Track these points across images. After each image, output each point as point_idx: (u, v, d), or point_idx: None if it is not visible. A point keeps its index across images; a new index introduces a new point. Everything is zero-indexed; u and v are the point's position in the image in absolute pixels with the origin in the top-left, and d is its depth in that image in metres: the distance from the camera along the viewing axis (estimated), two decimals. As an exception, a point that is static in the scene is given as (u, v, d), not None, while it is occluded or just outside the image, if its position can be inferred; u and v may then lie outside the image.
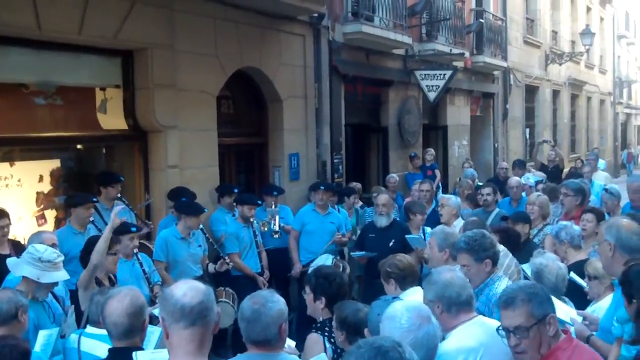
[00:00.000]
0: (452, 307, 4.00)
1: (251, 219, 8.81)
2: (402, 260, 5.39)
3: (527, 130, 23.68)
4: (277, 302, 3.65)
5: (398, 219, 9.64)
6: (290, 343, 4.64)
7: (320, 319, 4.84)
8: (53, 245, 5.98)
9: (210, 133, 9.63)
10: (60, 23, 7.47)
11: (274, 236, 9.36)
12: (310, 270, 5.72)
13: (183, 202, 8.26)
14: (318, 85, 11.89)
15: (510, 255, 6.16)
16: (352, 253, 9.23)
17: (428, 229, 8.99)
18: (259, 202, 9.07)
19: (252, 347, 3.59)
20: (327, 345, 4.63)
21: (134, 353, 3.55)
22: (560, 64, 26.14)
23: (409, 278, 5.26)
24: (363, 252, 8.73)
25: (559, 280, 5.41)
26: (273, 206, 9.58)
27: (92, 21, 7.73)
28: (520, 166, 14.25)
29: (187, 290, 3.02)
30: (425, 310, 3.42)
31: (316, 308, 4.86)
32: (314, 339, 4.69)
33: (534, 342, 3.56)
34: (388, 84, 14.65)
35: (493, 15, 19.67)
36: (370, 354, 2.58)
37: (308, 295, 4.93)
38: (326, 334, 4.69)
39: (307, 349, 4.64)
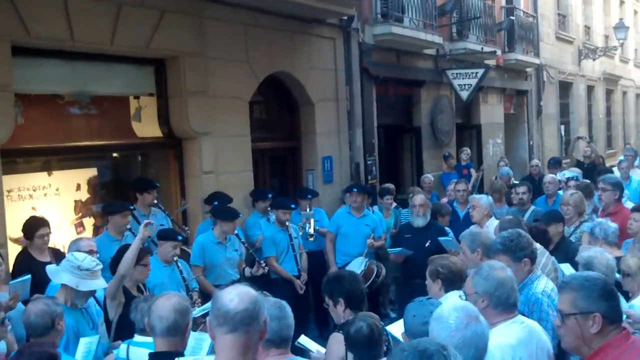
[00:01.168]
0: (499, 306, 4.00)
1: (287, 223, 8.83)
2: (455, 263, 5.35)
3: (562, 127, 23.41)
4: None
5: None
6: (320, 349, 4.64)
7: (343, 321, 4.82)
8: (91, 252, 6.06)
9: (243, 138, 9.70)
10: (93, 34, 7.58)
11: (309, 239, 9.37)
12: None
13: (218, 207, 8.31)
14: (349, 88, 11.90)
15: (547, 253, 6.11)
16: (388, 249, 9.20)
17: (449, 231, 8.99)
18: (292, 205, 9.08)
19: (272, 349, 3.55)
20: None
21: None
22: (594, 59, 25.79)
23: (456, 283, 5.22)
24: (400, 249, 8.69)
25: (609, 271, 5.38)
26: (308, 209, 9.59)
27: (124, 31, 7.84)
28: (554, 165, 14.06)
29: (235, 295, 2.98)
30: (472, 309, 3.38)
31: (338, 313, 4.84)
32: (336, 338, 4.68)
33: (571, 331, 3.48)
34: (420, 84, 14.61)
35: (524, 12, 19.51)
36: (414, 357, 2.55)
37: (330, 305, 4.92)
38: None
39: (329, 349, 4.64)
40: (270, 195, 9.42)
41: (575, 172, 12.75)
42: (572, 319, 3.47)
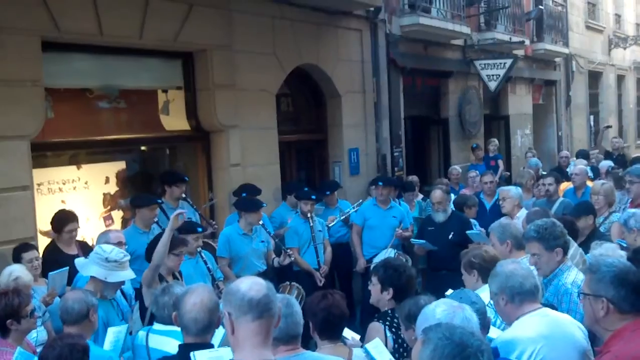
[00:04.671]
0: (516, 297, 3.99)
1: (309, 214, 8.83)
2: (488, 252, 5.34)
3: (592, 117, 23.17)
4: None
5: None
6: (354, 336, 4.68)
7: (385, 309, 4.85)
8: (119, 244, 6.13)
9: (270, 131, 9.73)
10: (121, 28, 7.65)
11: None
12: (372, 265, 5.71)
13: (241, 198, 8.34)
14: (376, 80, 11.87)
15: (576, 245, 6.07)
16: (412, 240, 9.18)
17: (475, 222, 8.98)
18: (314, 197, 9.04)
19: (280, 346, 3.56)
20: (388, 334, 4.65)
21: (191, 353, 3.58)
22: (625, 48, 25.50)
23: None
24: (423, 241, 8.68)
25: None
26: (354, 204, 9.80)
27: (152, 25, 7.89)
28: (583, 157, 13.91)
29: (252, 284, 3.07)
30: (453, 301, 3.54)
31: (382, 299, 4.87)
32: (375, 327, 4.72)
33: (586, 311, 3.66)
34: (447, 75, 14.54)
35: (553, 1, 19.29)
36: (453, 350, 2.56)
37: (375, 286, 4.93)
38: (387, 323, 4.71)
39: (369, 338, 4.67)
40: (306, 189, 9.33)
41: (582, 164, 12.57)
42: (586, 300, 3.62)
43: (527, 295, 4.00)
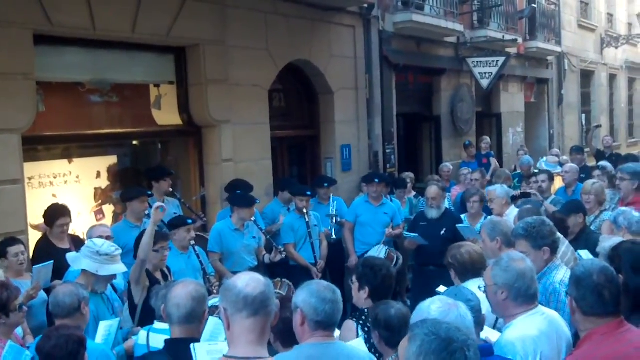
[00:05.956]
0: (519, 298, 3.99)
1: (304, 210, 8.82)
2: (463, 254, 5.30)
3: (583, 115, 23.21)
4: None
5: (453, 208, 9.56)
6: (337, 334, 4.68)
7: (362, 307, 4.84)
8: (107, 239, 6.11)
9: (262, 126, 9.71)
10: (114, 22, 7.63)
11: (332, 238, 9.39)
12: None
13: (235, 194, 8.33)
14: (369, 76, 11.88)
15: (567, 242, 6.09)
16: (404, 233, 9.17)
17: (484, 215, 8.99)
18: (308, 192, 9.04)
19: (320, 330, 3.55)
20: (360, 333, 4.62)
21: (192, 345, 3.58)
22: (617, 47, 25.56)
23: (468, 274, 5.21)
24: (415, 235, 8.67)
25: None
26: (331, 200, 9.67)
27: (145, 20, 7.87)
28: (577, 152, 13.93)
29: (249, 281, 3.08)
30: (448, 299, 3.51)
31: (359, 297, 4.87)
32: (348, 325, 4.71)
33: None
34: (440, 72, 14.54)
35: (546, -1, 19.36)
36: (439, 346, 2.54)
37: (354, 284, 4.94)
38: (361, 322, 4.69)
39: (342, 336, 4.66)
40: (309, 193, 9.23)
41: (552, 162, 12.59)
42: (568, 298, 3.75)
43: (529, 298, 4.02)
